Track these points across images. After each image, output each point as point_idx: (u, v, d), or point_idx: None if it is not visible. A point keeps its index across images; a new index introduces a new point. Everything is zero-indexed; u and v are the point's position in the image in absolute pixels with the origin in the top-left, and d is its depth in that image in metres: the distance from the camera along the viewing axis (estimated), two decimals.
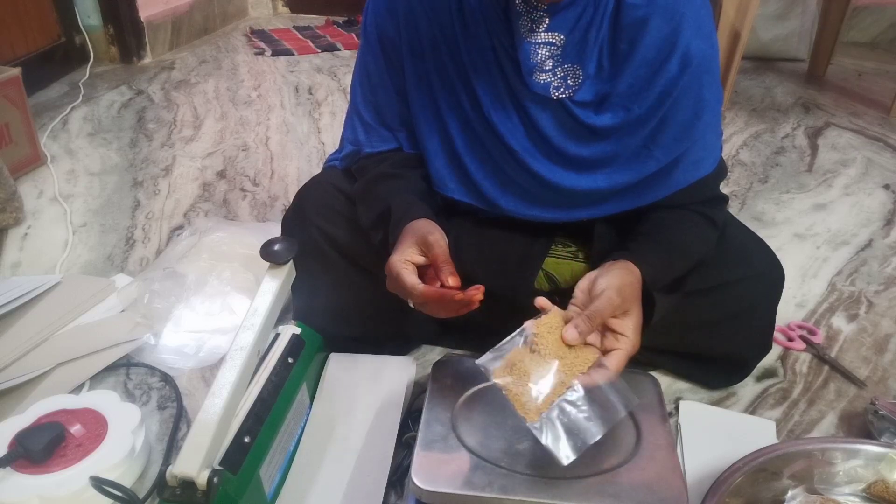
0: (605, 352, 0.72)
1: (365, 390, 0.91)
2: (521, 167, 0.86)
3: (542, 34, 0.79)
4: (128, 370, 1.03)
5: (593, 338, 0.73)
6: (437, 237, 0.78)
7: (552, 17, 0.78)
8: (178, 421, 0.93)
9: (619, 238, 0.89)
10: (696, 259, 0.87)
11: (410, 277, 0.75)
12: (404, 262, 0.76)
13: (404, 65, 0.88)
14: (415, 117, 0.90)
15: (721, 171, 0.91)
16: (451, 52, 0.84)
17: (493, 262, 0.92)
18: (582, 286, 0.76)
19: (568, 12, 0.78)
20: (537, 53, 0.80)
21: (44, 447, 0.79)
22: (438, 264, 0.75)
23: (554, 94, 0.82)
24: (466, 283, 0.75)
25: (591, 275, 0.77)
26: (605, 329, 0.73)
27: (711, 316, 0.93)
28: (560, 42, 0.79)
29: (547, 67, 0.81)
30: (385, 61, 0.89)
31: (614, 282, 0.74)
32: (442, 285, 0.74)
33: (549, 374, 0.69)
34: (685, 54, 0.78)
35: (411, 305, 0.77)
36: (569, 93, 0.82)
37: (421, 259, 0.77)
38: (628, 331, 0.72)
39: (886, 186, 1.65)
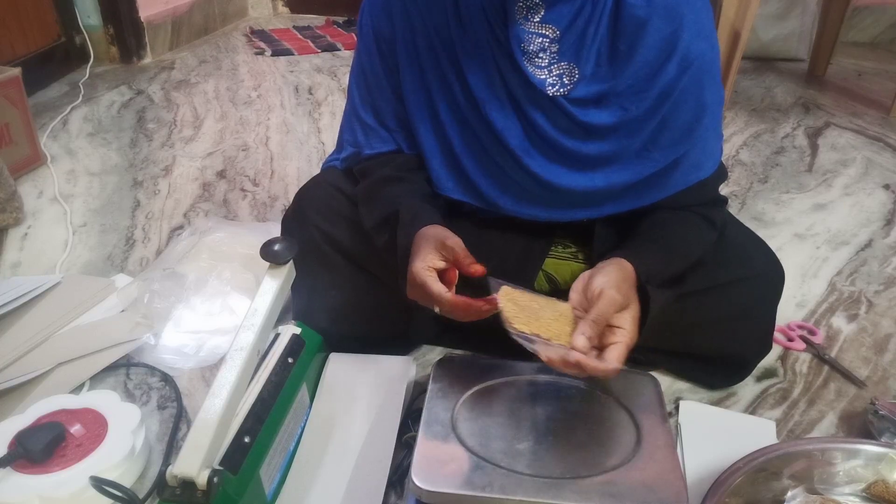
0: (603, 347, 0.72)
1: (365, 390, 0.91)
2: (519, 165, 0.86)
3: (537, 24, 0.79)
4: (128, 370, 1.03)
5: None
6: (455, 240, 0.79)
7: (548, 9, 0.78)
8: (178, 421, 0.93)
9: (619, 239, 0.89)
10: (694, 258, 0.87)
11: (437, 286, 0.76)
12: (428, 269, 0.77)
13: (400, 64, 0.88)
14: (412, 117, 0.89)
15: (721, 173, 0.91)
16: (447, 50, 0.84)
17: (493, 262, 0.92)
18: (577, 287, 0.77)
19: (564, 6, 0.78)
20: (530, 42, 0.80)
21: (44, 447, 0.79)
22: (461, 260, 0.77)
23: (549, 90, 0.82)
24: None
25: (585, 275, 0.77)
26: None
27: (711, 316, 0.93)
28: (554, 35, 0.79)
29: (543, 63, 0.81)
30: (381, 61, 0.89)
31: (612, 280, 0.74)
32: (470, 276, 0.77)
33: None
34: (685, 56, 0.78)
35: (437, 312, 0.78)
36: (564, 90, 0.82)
37: (441, 264, 0.78)
38: (626, 323, 0.73)
39: (886, 186, 1.65)
